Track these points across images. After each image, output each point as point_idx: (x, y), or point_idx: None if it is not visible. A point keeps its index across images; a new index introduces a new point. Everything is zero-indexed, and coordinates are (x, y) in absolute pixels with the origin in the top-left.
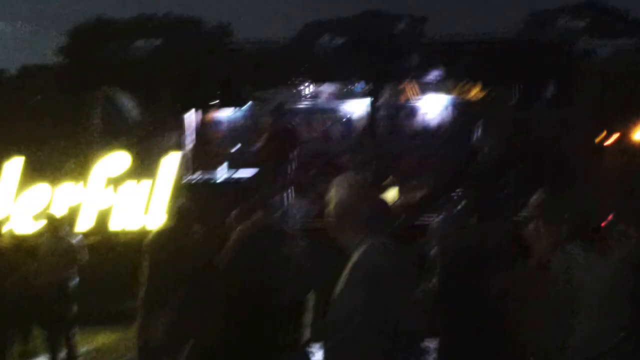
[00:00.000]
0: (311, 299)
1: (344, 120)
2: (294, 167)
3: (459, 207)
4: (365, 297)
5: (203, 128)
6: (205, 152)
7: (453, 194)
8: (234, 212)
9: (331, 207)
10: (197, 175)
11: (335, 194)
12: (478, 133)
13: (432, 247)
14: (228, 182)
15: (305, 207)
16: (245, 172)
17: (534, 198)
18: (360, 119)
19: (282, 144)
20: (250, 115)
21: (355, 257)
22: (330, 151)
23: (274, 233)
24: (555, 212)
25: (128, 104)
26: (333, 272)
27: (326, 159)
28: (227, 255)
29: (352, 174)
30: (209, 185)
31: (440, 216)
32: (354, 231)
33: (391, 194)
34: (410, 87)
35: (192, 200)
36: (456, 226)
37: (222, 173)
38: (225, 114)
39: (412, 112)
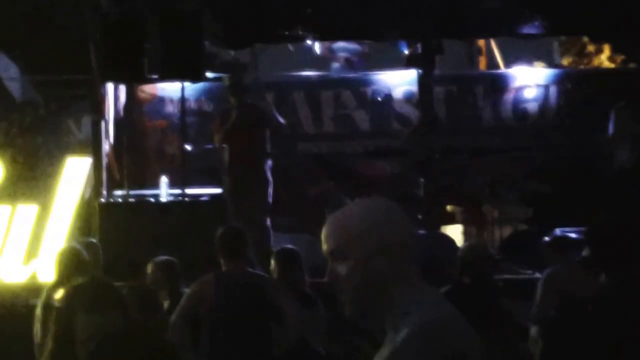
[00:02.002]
0: None
1: (373, 101)
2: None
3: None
4: None
5: (132, 115)
6: (137, 155)
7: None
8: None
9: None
10: (121, 194)
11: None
12: (612, 123)
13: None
14: (178, 204)
15: None
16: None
17: None
18: (403, 99)
19: (256, 142)
20: (211, 93)
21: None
22: (351, 153)
23: None
24: None
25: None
26: None
27: (342, 168)
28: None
29: (383, 204)
30: (142, 208)
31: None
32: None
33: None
34: (487, 49)
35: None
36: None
37: (164, 189)
38: (170, 91)
39: (496, 87)
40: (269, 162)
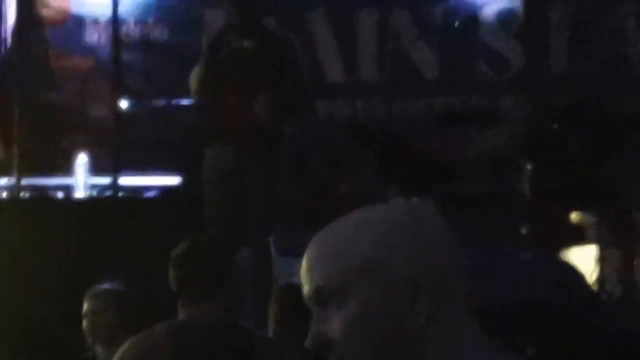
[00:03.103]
0: None
1: (445, 29)
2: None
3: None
4: None
5: (26, 48)
6: (35, 118)
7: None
8: None
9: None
10: (6, 184)
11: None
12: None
13: None
14: (106, 203)
15: None
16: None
17: None
18: (496, 26)
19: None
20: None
21: None
22: (408, 118)
23: None
24: None
25: None
26: None
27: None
28: None
29: (409, 210)
30: (43, 209)
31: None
32: None
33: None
34: None
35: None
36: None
37: (82, 177)
38: (94, 5)
39: None
40: (283, 142)
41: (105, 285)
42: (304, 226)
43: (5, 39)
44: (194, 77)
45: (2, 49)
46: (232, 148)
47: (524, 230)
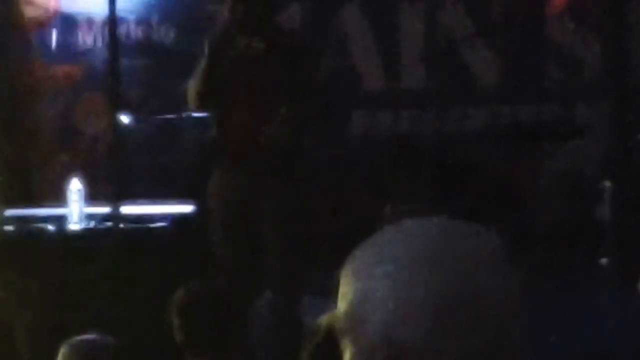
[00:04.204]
0: None
1: (506, 22)
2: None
3: None
4: None
5: (5, 53)
6: (18, 137)
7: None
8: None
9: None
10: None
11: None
12: None
13: None
14: (104, 237)
15: None
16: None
17: None
18: (566, 18)
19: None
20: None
21: None
22: (464, 132)
23: None
24: None
25: None
26: None
27: None
28: None
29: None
30: (29, 246)
31: None
32: None
33: None
34: None
35: None
36: None
37: (77, 207)
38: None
39: None
40: (305, 165)
41: (90, 337)
42: (336, 263)
43: None
44: (190, 87)
45: None
46: (242, 173)
47: (605, 267)
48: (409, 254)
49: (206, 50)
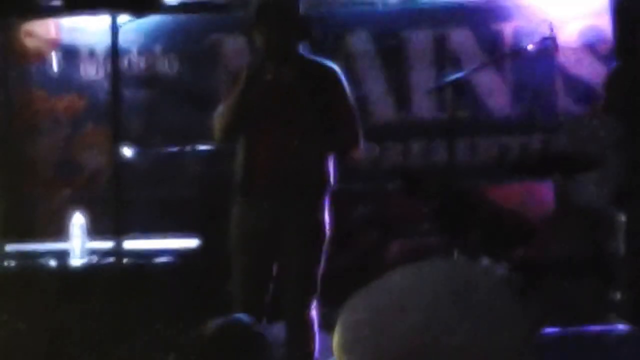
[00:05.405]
0: None
1: (518, 53)
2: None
3: None
4: None
5: (6, 85)
6: (18, 169)
7: None
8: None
9: None
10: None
11: None
12: None
13: None
14: (108, 273)
15: None
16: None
17: None
18: (580, 47)
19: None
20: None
21: None
22: (474, 165)
23: None
24: None
25: None
26: None
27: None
28: None
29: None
30: (29, 283)
31: None
32: None
33: None
34: None
35: None
36: None
37: (79, 242)
38: (87, 34)
39: None
40: (327, 197)
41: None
42: (338, 299)
43: None
44: (220, 119)
45: None
46: (265, 204)
47: (618, 302)
48: (420, 300)
49: (234, 82)
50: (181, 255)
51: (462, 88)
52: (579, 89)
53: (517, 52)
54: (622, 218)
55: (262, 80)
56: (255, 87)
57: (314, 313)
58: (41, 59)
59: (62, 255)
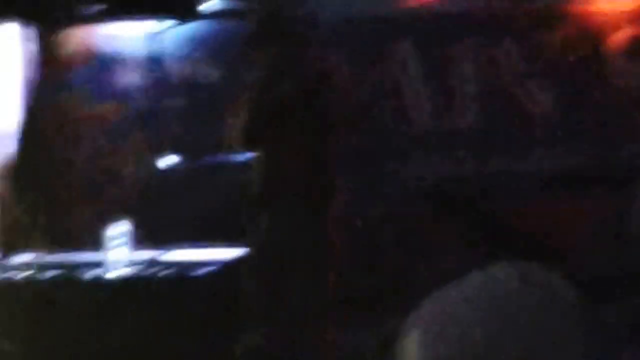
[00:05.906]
0: None
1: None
2: None
3: None
4: None
5: (42, 92)
6: (51, 179)
7: None
8: None
9: None
10: (18, 263)
11: None
12: None
13: None
14: (146, 285)
15: None
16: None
17: None
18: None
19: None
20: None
21: None
22: (523, 176)
23: None
24: None
25: None
26: None
27: None
28: None
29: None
30: (61, 294)
31: None
32: None
33: None
34: None
35: None
36: None
37: (115, 253)
38: (125, 41)
39: None
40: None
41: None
42: (369, 320)
43: (18, 84)
44: (238, 125)
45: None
46: (288, 214)
47: None
48: (480, 312)
49: (253, 87)
50: (225, 266)
51: (513, 99)
52: (623, 100)
53: (564, 61)
54: None
55: (282, 87)
56: (273, 94)
57: None
58: (79, 66)
59: (98, 267)
